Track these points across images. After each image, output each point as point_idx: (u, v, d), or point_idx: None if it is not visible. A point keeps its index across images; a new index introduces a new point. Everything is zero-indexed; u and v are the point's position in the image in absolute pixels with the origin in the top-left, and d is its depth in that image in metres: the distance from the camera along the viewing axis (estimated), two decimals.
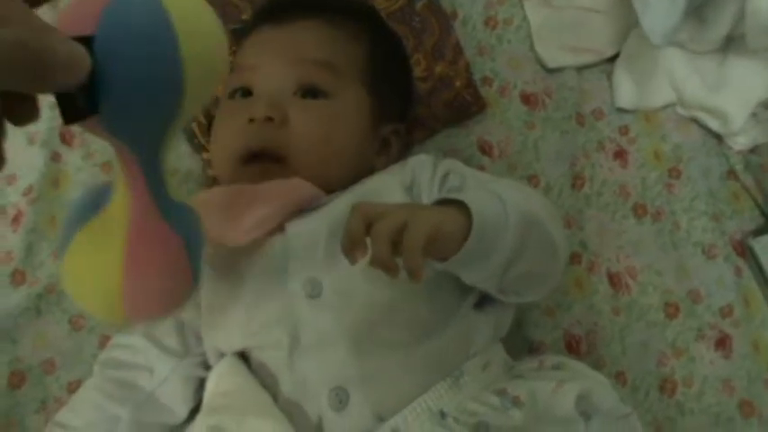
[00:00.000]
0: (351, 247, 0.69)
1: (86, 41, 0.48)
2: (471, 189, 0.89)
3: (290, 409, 0.83)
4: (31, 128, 1.10)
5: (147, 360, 0.95)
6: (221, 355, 0.92)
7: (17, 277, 1.09)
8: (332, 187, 0.93)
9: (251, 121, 0.91)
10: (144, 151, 0.58)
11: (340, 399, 0.81)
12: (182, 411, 0.97)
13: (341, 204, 0.90)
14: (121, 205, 0.61)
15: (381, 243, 0.66)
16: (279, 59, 0.96)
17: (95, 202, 0.64)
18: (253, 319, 0.88)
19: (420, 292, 0.87)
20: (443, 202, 0.78)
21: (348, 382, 0.82)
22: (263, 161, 0.92)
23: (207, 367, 0.95)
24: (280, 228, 0.89)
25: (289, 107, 0.93)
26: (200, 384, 0.96)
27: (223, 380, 0.88)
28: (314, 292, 0.85)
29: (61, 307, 1.08)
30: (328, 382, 0.82)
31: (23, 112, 0.50)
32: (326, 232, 0.87)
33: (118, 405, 0.92)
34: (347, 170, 0.96)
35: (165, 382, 0.95)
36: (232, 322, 0.90)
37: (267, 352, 0.88)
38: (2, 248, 1.11)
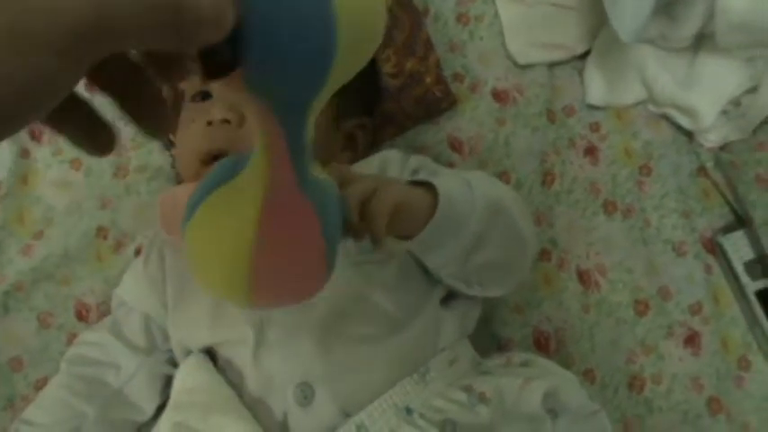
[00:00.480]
0: None
1: None
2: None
3: (255, 406, 0.83)
4: None
5: (114, 357, 0.95)
6: (188, 351, 0.92)
7: None
8: None
9: (209, 123, 0.91)
10: (288, 115, 0.52)
11: (305, 394, 0.81)
12: (149, 408, 0.97)
13: None
14: (259, 171, 0.56)
15: (352, 205, 0.66)
16: None
17: (231, 169, 0.59)
18: (219, 315, 0.88)
19: (386, 286, 0.87)
20: (412, 185, 0.78)
21: (313, 377, 0.81)
22: None
23: (174, 364, 0.95)
24: None
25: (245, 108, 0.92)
26: (168, 381, 0.95)
27: (189, 377, 0.88)
28: None
29: (29, 304, 1.08)
30: (294, 378, 0.82)
31: (173, 67, 0.46)
32: None
33: (85, 402, 0.92)
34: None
35: (132, 378, 0.95)
36: (198, 318, 0.89)
37: (233, 348, 0.87)
38: None
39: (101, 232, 1.11)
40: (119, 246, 1.11)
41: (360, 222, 0.67)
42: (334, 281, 0.84)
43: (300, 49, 0.46)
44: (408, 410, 0.80)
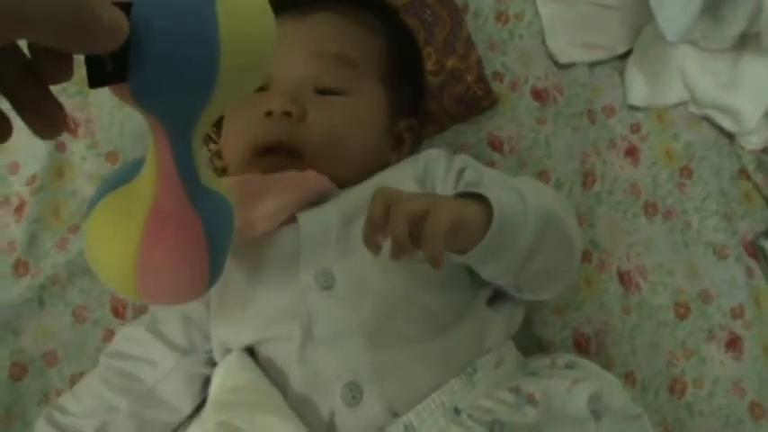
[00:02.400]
0: (372, 232, 0.69)
1: (125, 8, 0.48)
2: (489, 184, 0.88)
3: (300, 405, 0.82)
4: None
5: (151, 353, 0.94)
6: (228, 350, 0.90)
7: (20, 268, 1.07)
8: (346, 182, 0.92)
9: (268, 114, 0.90)
10: (174, 129, 0.57)
11: (353, 394, 0.80)
12: (184, 408, 0.96)
13: (354, 196, 0.89)
14: (149, 179, 0.61)
15: (399, 223, 0.66)
16: (299, 52, 0.95)
17: (129, 173, 0.64)
18: (264, 312, 0.87)
19: (433, 286, 0.86)
20: (462, 196, 0.77)
21: (361, 377, 0.80)
22: (277, 155, 0.91)
23: (212, 366, 0.93)
24: (292, 219, 0.88)
25: (307, 103, 0.92)
26: (205, 383, 0.94)
27: (231, 375, 0.87)
28: (326, 283, 0.84)
29: (64, 299, 1.07)
30: (341, 377, 0.81)
31: (58, 69, 0.50)
32: (339, 223, 0.86)
33: (119, 396, 0.91)
34: (362, 167, 0.95)
35: (168, 376, 0.93)
36: (243, 315, 0.88)
37: (277, 345, 0.86)
38: (4, 238, 1.09)
39: None
40: None
41: (411, 241, 0.66)
42: (382, 280, 0.84)
43: (183, 70, 0.52)
44: (456, 411, 0.80)
